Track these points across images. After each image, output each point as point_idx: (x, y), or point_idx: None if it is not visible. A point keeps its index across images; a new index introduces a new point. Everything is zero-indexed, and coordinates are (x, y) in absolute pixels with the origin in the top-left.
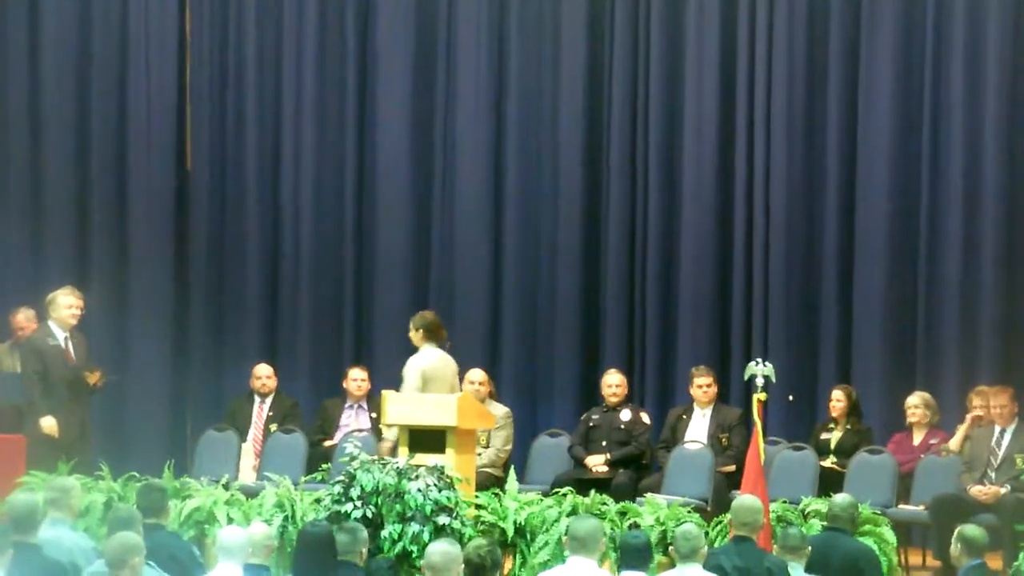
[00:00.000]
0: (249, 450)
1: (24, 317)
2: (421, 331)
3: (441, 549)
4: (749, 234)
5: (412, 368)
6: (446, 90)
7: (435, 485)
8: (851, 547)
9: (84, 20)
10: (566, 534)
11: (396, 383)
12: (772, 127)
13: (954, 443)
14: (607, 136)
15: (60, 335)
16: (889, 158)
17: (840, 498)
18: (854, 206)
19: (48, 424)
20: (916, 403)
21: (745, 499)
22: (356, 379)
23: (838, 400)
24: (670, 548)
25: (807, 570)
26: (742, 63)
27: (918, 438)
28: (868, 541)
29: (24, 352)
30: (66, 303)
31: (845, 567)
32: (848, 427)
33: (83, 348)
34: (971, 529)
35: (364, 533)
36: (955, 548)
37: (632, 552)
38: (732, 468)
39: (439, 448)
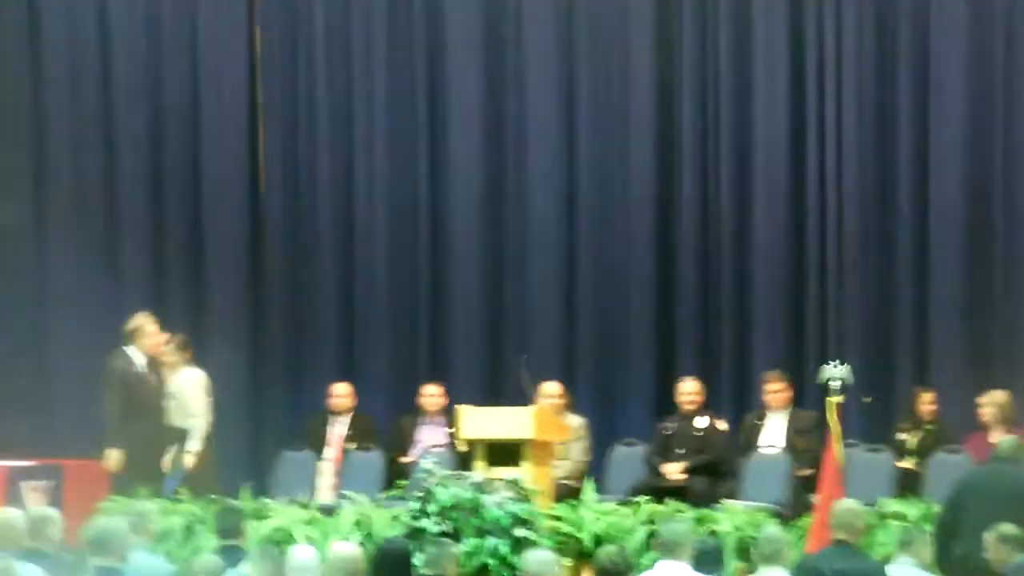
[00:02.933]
0: (327, 468)
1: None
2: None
3: (539, 558)
4: (822, 237)
5: (200, 386)
6: (517, 105)
7: (512, 498)
8: (1020, 476)
9: (154, 46)
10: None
11: (473, 398)
12: (843, 131)
13: None
14: (679, 144)
15: (139, 361)
16: (962, 159)
17: (1006, 441)
18: (928, 206)
19: (111, 457)
20: (984, 402)
21: (846, 503)
22: (431, 395)
23: (929, 403)
24: (752, 552)
25: (982, 496)
26: (811, 64)
27: (995, 437)
28: None
29: (108, 379)
30: (151, 331)
31: (1015, 493)
32: (929, 427)
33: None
34: (1009, 527)
35: (455, 548)
36: (997, 548)
37: (704, 556)
38: (809, 472)
39: (515, 461)
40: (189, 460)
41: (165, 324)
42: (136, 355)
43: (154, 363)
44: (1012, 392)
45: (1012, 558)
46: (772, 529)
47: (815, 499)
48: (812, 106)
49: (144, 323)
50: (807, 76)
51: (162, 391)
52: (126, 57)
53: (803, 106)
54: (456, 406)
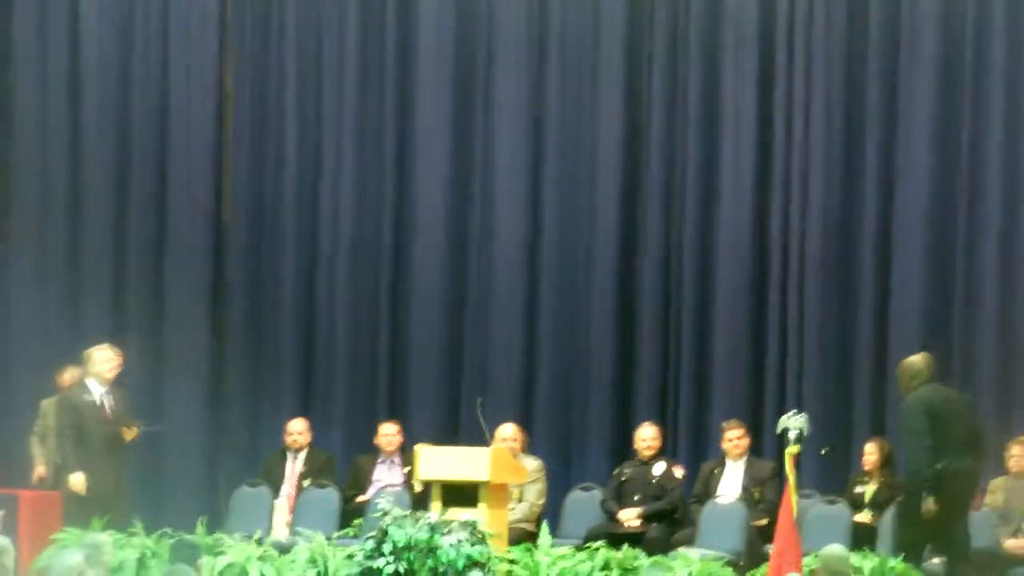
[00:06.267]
0: (283, 505)
1: (70, 376)
2: None
3: None
4: (783, 285)
5: None
6: (484, 144)
7: (467, 540)
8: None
9: (124, 74)
10: None
11: (430, 438)
12: (809, 183)
13: (991, 496)
14: (643, 192)
15: (97, 391)
16: (925, 218)
17: (920, 361)
18: (890, 259)
19: (76, 481)
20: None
21: (834, 548)
22: (388, 434)
23: (870, 453)
24: None
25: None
26: (779, 116)
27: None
28: None
29: (59, 408)
30: (102, 358)
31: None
32: (882, 480)
33: (121, 403)
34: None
35: None
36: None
37: None
38: (765, 522)
39: (472, 503)
40: None
41: (124, 360)
42: (93, 384)
43: (113, 391)
44: None
45: None
46: None
47: (770, 549)
48: (778, 165)
49: (93, 351)
50: (775, 136)
51: (119, 420)
52: (95, 91)
53: (769, 166)
54: (413, 446)
